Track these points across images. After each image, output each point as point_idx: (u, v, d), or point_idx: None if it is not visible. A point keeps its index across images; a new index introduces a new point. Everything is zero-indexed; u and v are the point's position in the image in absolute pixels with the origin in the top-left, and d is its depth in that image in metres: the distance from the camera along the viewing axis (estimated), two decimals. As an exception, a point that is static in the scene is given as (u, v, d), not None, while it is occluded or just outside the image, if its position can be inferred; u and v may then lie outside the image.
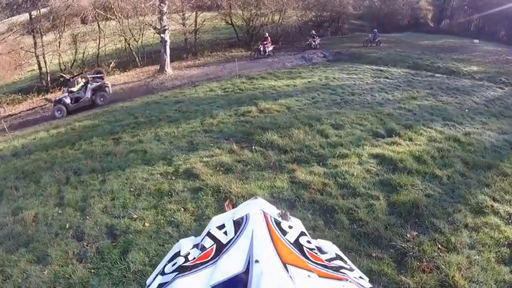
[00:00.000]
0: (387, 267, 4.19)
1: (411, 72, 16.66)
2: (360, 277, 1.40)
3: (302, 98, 11.35)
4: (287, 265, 1.14)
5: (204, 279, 1.15)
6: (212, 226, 1.49)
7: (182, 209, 5.64)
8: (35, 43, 19.92)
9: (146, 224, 5.27)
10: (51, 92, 19.24)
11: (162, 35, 18.28)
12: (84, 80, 15.85)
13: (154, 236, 4.97)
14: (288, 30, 23.78)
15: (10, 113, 17.49)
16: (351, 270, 1.42)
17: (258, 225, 1.33)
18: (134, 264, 4.47)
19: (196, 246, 1.47)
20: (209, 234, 1.44)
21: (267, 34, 20.57)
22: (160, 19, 18.42)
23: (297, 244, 1.37)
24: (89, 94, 15.26)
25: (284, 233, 1.38)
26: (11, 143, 11.89)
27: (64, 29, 20.93)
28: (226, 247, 1.29)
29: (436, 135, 8.37)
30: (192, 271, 1.25)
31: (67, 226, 5.84)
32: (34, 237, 5.76)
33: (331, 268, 1.33)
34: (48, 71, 20.16)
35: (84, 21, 21.65)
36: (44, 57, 19.99)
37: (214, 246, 1.35)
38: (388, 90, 12.77)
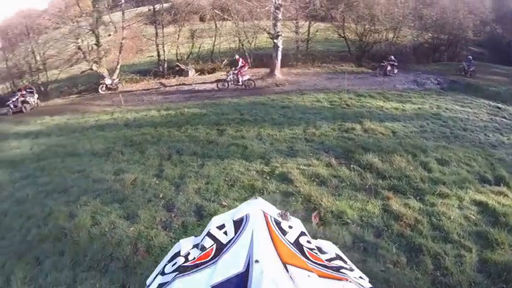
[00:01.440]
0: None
1: (534, 118, 14.91)
2: (360, 277, 1.40)
3: (409, 125, 10.98)
4: (287, 265, 1.15)
5: (204, 279, 1.17)
6: (212, 226, 1.49)
7: None
8: (156, 33, 22.00)
9: (234, 214, 5.68)
10: (166, 78, 21.14)
11: (275, 40, 18.86)
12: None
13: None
14: (401, 50, 22.79)
15: (127, 89, 19.67)
16: (351, 270, 1.42)
17: (258, 225, 1.34)
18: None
19: (196, 246, 1.49)
20: (209, 234, 1.44)
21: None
22: (275, 25, 19.02)
23: (297, 244, 1.37)
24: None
25: (284, 233, 1.39)
26: (125, 114, 13.70)
27: (183, 24, 22.77)
28: (226, 247, 1.30)
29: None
30: (192, 271, 1.27)
31: (160, 196, 6.62)
32: (129, 197, 6.65)
33: (331, 268, 1.34)
34: (165, 58, 22.12)
35: (202, 19, 23.48)
36: (163, 46, 21.96)
37: (214, 246, 1.36)
38: (504, 132, 11.64)
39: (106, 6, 21.55)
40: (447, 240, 5.38)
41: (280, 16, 18.93)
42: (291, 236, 1.40)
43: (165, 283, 1.29)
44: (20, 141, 11.87)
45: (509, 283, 4.71)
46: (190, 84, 19.27)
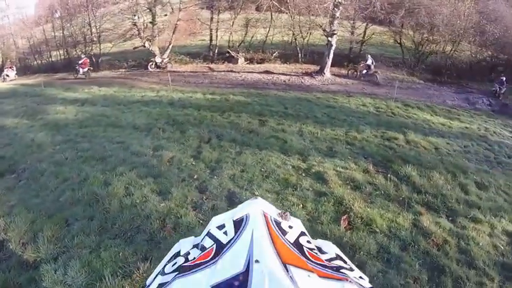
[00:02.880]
0: None
1: None
2: (360, 277, 1.41)
3: (454, 143, 10.65)
4: (287, 265, 1.16)
5: (204, 279, 1.17)
6: (212, 226, 1.49)
7: (301, 205, 6.00)
8: (212, 18, 22.52)
9: (265, 206, 5.81)
10: (215, 63, 21.68)
11: (329, 38, 18.67)
12: None
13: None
14: (457, 65, 22.00)
15: (175, 70, 20.25)
16: (351, 270, 1.43)
17: (258, 225, 1.35)
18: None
19: (196, 246, 1.50)
20: (209, 234, 1.45)
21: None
22: (331, 23, 18.81)
23: (297, 244, 1.38)
24: None
25: (284, 233, 1.40)
26: (171, 94, 14.24)
27: (239, 12, 22.93)
28: (226, 247, 1.31)
29: None
30: (192, 271, 1.27)
31: (195, 177, 6.84)
32: (164, 174, 6.89)
33: (331, 268, 1.35)
34: (217, 44, 22.61)
35: (258, 9, 23.58)
36: (216, 32, 22.47)
37: (214, 246, 1.37)
38: None
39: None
40: (471, 265, 5.29)
41: (338, 14, 18.73)
42: (291, 236, 1.42)
43: (165, 283, 1.32)
44: (66, 107, 12.54)
45: None
46: (239, 72, 19.53)
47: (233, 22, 22.58)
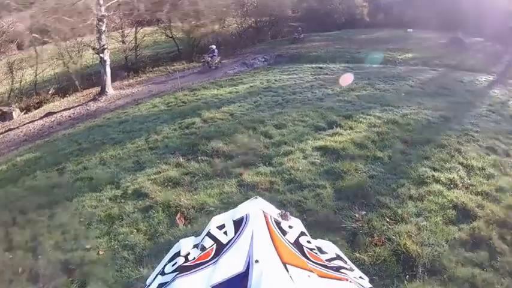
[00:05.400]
0: (341, 248, 4.34)
1: (350, 66, 17.28)
2: (360, 277, 1.42)
3: (245, 103, 11.48)
4: (287, 265, 1.15)
5: (204, 279, 1.16)
6: (212, 226, 1.49)
7: (135, 231, 5.55)
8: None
9: (100, 252, 5.14)
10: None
11: (101, 54, 17.77)
12: None
13: (110, 262, 4.87)
14: (228, 39, 23.88)
15: None
16: (351, 270, 1.44)
17: (258, 225, 1.34)
18: (94, 296, 4.34)
19: (196, 246, 1.47)
20: (209, 234, 1.44)
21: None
22: (99, 38, 17.90)
23: (297, 244, 1.38)
24: None
25: (284, 233, 1.40)
26: None
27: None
28: (226, 247, 1.30)
29: (375, 121, 8.81)
30: (192, 271, 1.26)
31: (20, 270, 5.55)
32: None
33: (331, 268, 1.35)
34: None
35: (20, 47, 20.68)
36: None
37: (214, 246, 1.36)
38: (328, 86, 13.15)
39: None
40: (302, 187, 5.94)
41: (104, 28, 17.89)
42: (291, 236, 1.41)
43: (165, 283, 1.29)
44: None
45: (366, 196, 5.59)
46: (18, 127, 16.65)
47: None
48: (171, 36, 22.82)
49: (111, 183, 7.36)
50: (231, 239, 1.34)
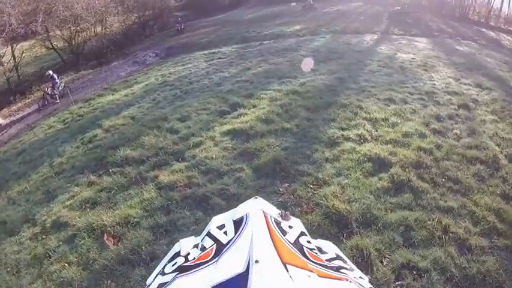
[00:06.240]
0: (272, 226, 4.52)
1: (241, 46, 17.71)
2: (360, 277, 1.42)
3: (143, 103, 11.18)
4: (287, 265, 1.15)
5: (204, 279, 1.16)
6: (212, 226, 1.49)
7: (66, 265, 5.15)
8: None
9: (40, 299, 4.76)
10: None
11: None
12: None
13: (53, 307, 4.55)
14: (113, 39, 22.75)
15: None
16: (351, 270, 1.44)
17: (258, 225, 1.34)
18: None
19: (196, 246, 1.48)
20: (209, 234, 1.45)
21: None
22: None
23: (297, 244, 1.38)
24: None
25: (284, 233, 1.40)
26: None
27: None
28: (226, 247, 1.30)
29: (276, 95, 9.21)
30: (192, 271, 1.27)
31: None
32: None
33: (331, 268, 1.36)
34: None
35: None
36: None
37: (214, 246, 1.36)
38: (224, 69, 13.39)
39: None
40: (221, 174, 5.98)
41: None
42: (291, 236, 1.42)
43: (165, 283, 1.29)
44: None
45: (285, 169, 5.79)
46: None
47: None
48: (51, 47, 21.01)
49: (26, 222, 6.71)
50: (231, 239, 1.35)
